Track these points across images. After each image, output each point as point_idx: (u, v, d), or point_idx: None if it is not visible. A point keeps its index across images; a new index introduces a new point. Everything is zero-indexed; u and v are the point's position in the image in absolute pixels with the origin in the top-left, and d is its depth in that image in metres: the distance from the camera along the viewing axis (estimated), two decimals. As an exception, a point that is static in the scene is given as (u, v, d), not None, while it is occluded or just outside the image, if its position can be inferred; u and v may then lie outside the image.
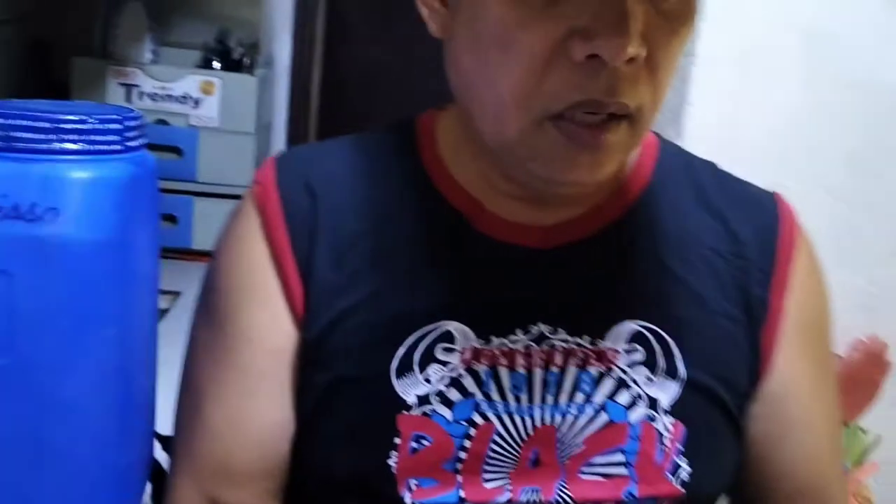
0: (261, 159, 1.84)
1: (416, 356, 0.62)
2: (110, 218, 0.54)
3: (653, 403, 0.64)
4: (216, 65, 1.80)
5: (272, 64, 2.12)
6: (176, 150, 1.72)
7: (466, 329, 0.63)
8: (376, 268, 0.64)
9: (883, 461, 1.35)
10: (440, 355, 0.62)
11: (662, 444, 0.64)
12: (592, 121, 0.55)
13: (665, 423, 0.64)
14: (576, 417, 0.63)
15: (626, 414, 0.64)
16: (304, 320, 0.64)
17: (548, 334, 0.63)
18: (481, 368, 0.62)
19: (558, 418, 0.63)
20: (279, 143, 2.18)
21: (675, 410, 0.64)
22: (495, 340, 0.63)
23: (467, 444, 0.62)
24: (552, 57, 0.54)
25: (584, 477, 0.64)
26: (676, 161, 0.70)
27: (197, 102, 1.68)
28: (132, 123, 0.55)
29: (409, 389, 0.62)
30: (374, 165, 0.67)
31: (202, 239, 1.70)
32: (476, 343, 0.63)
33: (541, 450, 0.63)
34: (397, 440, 0.62)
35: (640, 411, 0.64)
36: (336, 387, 0.63)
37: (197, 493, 0.64)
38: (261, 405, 0.64)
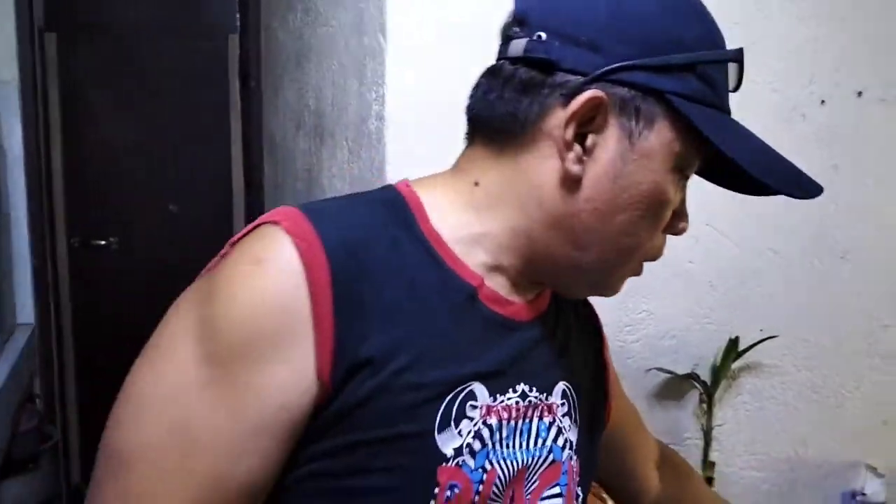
0: (3, 248, 1.76)
1: (454, 413, 0.69)
2: None
3: (571, 445, 0.79)
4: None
5: (3, 151, 2.02)
6: None
7: (484, 389, 0.71)
8: (416, 335, 0.67)
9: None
10: (468, 412, 0.70)
11: (574, 477, 0.80)
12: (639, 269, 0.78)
13: (574, 460, 0.80)
14: (536, 459, 0.75)
15: (561, 454, 0.78)
16: (331, 388, 0.63)
17: (527, 392, 0.75)
18: (493, 422, 0.72)
19: (528, 460, 0.74)
20: (21, 229, 2.07)
21: (577, 450, 0.81)
22: (499, 398, 0.72)
23: (480, 488, 0.70)
24: (660, 227, 0.74)
25: None
26: None
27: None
28: None
29: (448, 443, 0.68)
30: (387, 233, 0.70)
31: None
32: (489, 401, 0.71)
33: (515, 488, 0.74)
34: (436, 490, 0.67)
35: (567, 451, 0.79)
36: (377, 446, 0.65)
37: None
38: (252, 463, 0.63)
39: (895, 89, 1.66)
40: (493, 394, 0.71)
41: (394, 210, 0.72)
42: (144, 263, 2.63)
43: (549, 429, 0.77)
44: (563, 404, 0.79)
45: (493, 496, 0.72)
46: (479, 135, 0.75)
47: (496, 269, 0.74)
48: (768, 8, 1.57)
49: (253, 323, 0.62)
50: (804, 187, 0.74)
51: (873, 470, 1.78)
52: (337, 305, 0.63)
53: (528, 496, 0.75)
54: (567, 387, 0.80)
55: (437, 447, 0.67)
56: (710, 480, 1.60)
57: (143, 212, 2.65)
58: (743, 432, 1.66)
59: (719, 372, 1.59)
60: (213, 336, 0.62)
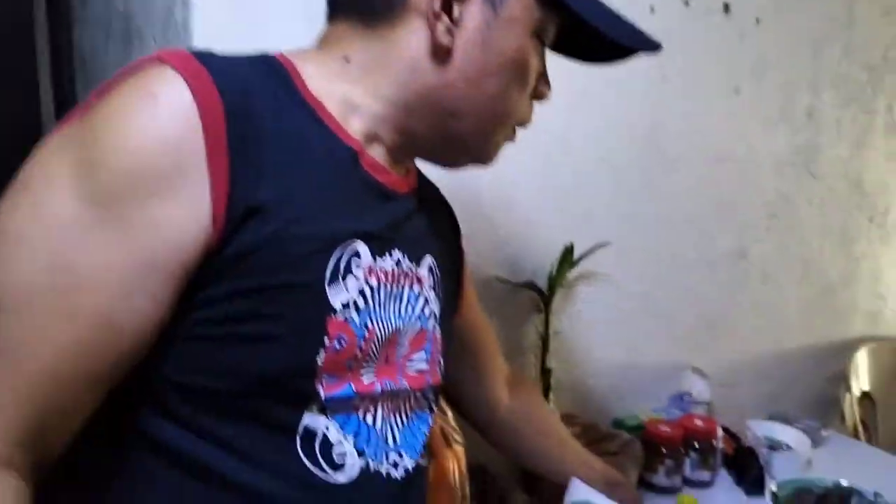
0: None
1: (341, 268, 0.72)
2: None
3: (434, 316, 0.87)
4: None
5: None
6: None
7: (366, 249, 0.75)
8: (305, 188, 0.69)
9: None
10: (354, 270, 0.73)
11: (437, 346, 0.88)
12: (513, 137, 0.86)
13: (438, 330, 0.88)
14: (406, 324, 0.81)
15: (427, 323, 0.85)
16: (224, 230, 0.63)
17: (401, 259, 0.80)
18: (373, 282, 0.76)
19: (401, 325, 0.80)
20: None
21: (439, 321, 0.89)
22: (378, 261, 0.77)
23: (362, 344, 0.75)
24: (526, 91, 0.81)
25: (409, 372, 0.84)
26: None
27: None
28: None
29: (336, 297, 0.71)
30: (272, 89, 0.70)
31: None
32: (371, 262, 0.75)
33: (389, 350, 0.80)
34: (326, 340, 0.71)
35: (431, 321, 0.87)
36: (270, 293, 0.66)
37: (23, 410, 0.59)
38: (143, 305, 0.62)
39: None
40: (374, 255, 0.76)
41: (275, 72, 0.72)
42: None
43: (417, 298, 0.83)
44: (429, 277, 0.86)
45: (370, 355, 0.77)
46: (342, 12, 0.77)
47: (373, 139, 0.78)
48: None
49: (146, 158, 0.59)
50: (651, 44, 0.82)
51: (699, 372, 1.87)
52: (231, 147, 0.62)
53: (400, 359, 0.82)
54: (433, 262, 0.87)
55: (327, 299, 0.70)
56: (547, 387, 1.62)
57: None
58: (579, 340, 1.69)
59: (555, 281, 1.59)
60: (100, 173, 0.59)
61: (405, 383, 0.83)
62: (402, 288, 0.81)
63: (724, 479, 1.66)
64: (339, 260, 0.72)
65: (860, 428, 2.11)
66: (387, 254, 0.78)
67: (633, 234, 1.71)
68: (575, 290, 1.68)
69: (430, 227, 0.88)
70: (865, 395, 2.16)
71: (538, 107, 1.69)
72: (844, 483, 1.43)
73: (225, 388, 0.66)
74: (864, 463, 1.81)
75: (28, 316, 0.59)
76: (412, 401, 0.85)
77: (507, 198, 1.54)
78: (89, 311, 0.59)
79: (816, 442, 1.81)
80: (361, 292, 0.74)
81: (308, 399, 0.71)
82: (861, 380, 2.16)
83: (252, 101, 0.66)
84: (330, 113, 0.74)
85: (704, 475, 1.62)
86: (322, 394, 0.72)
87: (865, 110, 2.06)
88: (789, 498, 1.44)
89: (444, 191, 1.48)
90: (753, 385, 2.02)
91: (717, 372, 1.89)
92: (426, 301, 0.85)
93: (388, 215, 0.79)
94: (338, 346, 0.72)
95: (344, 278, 0.72)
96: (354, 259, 0.73)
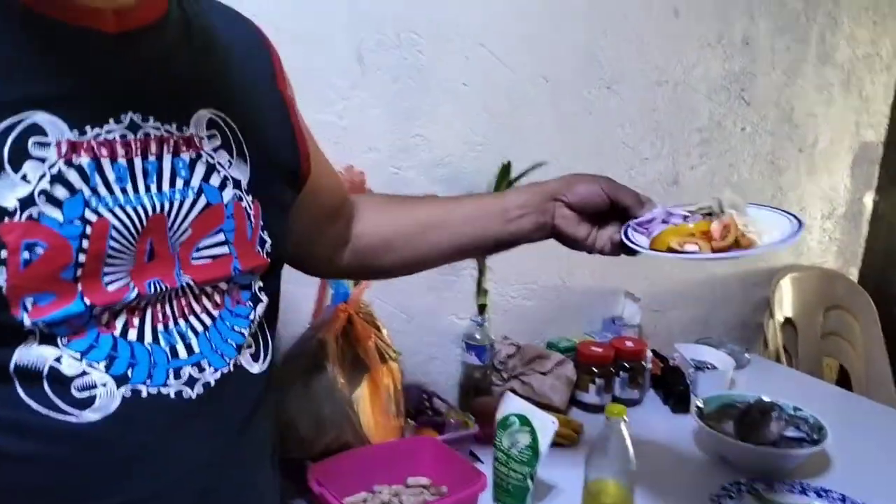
0: None
1: (6, 153, 0.57)
2: None
3: (237, 184, 0.71)
4: None
5: None
6: None
7: (57, 120, 0.59)
8: None
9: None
10: (34, 151, 0.58)
11: (250, 221, 0.72)
12: None
13: (247, 201, 0.72)
14: (181, 203, 0.66)
15: (219, 195, 0.69)
16: None
17: (139, 122, 0.64)
18: (84, 161, 0.60)
19: (166, 206, 0.65)
20: None
21: (252, 189, 0.73)
22: (90, 132, 0.61)
23: (85, 244, 0.60)
24: None
25: (195, 262, 0.69)
26: None
27: None
28: None
29: (7, 193, 0.57)
30: None
31: None
32: (71, 136, 0.60)
33: (155, 240, 0.65)
34: (3, 253, 0.57)
35: (229, 192, 0.70)
36: None
37: None
38: None
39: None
40: (76, 126, 0.60)
41: None
42: None
43: (191, 167, 0.67)
44: (212, 137, 0.69)
45: (114, 252, 0.62)
46: None
47: None
48: None
49: None
50: None
51: (631, 296, 1.89)
52: None
53: (178, 249, 0.67)
54: (217, 115, 0.70)
55: None
56: (482, 308, 1.61)
57: None
58: (516, 263, 1.68)
59: (492, 200, 1.58)
60: None
61: (188, 278, 0.68)
62: (158, 158, 0.65)
63: (653, 397, 1.70)
64: None
65: (782, 353, 2.19)
66: (109, 119, 0.62)
67: (569, 155, 1.70)
68: (511, 211, 1.66)
69: (204, 72, 0.71)
70: (787, 322, 2.24)
71: (478, 21, 1.63)
72: (766, 399, 1.48)
73: None
74: (785, 383, 1.88)
75: None
76: (213, 296, 0.71)
77: (445, 115, 1.50)
78: None
79: (740, 364, 1.87)
80: (59, 178, 0.59)
81: (8, 331, 0.59)
82: (784, 307, 2.23)
83: None
84: None
85: (634, 394, 1.66)
86: (27, 320, 0.59)
87: (799, 40, 2.08)
88: (714, 412, 1.48)
89: (382, 105, 1.44)
90: (682, 310, 2.06)
91: (648, 297, 1.92)
92: (211, 168, 0.69)
93: (101, 68, 0.63)
94: (29, 256, 0.58)
95: (16, 166, 0.57)
96: (33, 137, 0.58)
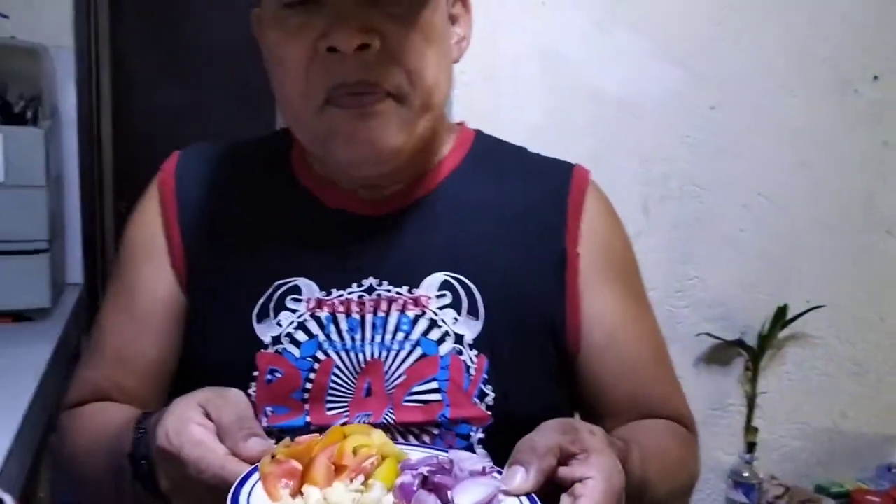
0: (55, 211, 1.80)
1: (272, 306, 0.75)
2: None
3: (459, 339, 0.75)
4: (-5, 119, 1.74)
5: (57, 116, 2.07)
6: (-43, 209, 1.64)
7: (311, 283, 0.76)
8: (245, 239, 0.78)
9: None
10: (290, 304, 0.75)
11: (469, 374, 0.75)
12: (357, 101, 0.70)
13: (470, 355, 0.75)
14: (398, 352, 0.75)
15: (436, 348, 0.75)
16: (186, 278, 0.78)
17: (375, 286, 0.76)
18: (323, 315, 0.75)
19: (384, 353, 0.75)
20: (73, 195, 2.12)
21: (479, 345, 0.75)
22: (335, 293, 0.76)
23: (312, 376, 0.74)
24: (310, 59, 0.70)
25: (406, 404, 0.75)
26: (488, 148, 0.85)
27: (-23, 159, 1.62)
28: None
29: (266, 332, 0.75)
30: (252, 162, 0.83)
31: (-2, 300, 1.63)
32: (319, 295, 0.75)
33: (372, 381, 0.75)
34: (255, 373, 0.74)
35: (447, 346, 0.75)
36: (207, 330, 0.76)
37: (99, 375, 0.79)
38: (144, 344, 0.78)
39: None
40: (325, 288, 0.75)
41: (276, 141, 0.83)
42: (188, 230, 2.68)
43: (414, 322, 0.75)
44: (441, 296, 0.76)
45: (336, 386, 0.74)
46: None
47: (337, 174, 0.78)
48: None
49: (129, 241, 0.82)
50: None
51: (910, 444, 1.81)
52: (182, 219, 0.79)
53: (392, 389, 0.74)
54: (452, 277, 0.76)
55: (255, 335, 0.75)
56: (751, 445, 1.63)
57: (187, 179, 2.72)
58: (786, 401, 1.69)
59: (766, 340, 1.62)
60: (116, 261, 0.84)
61: (392, 417, 0.74)
62: (386, 314, 0.75)
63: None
64: (268, 299, 0.75)
65: None
66: (353, 284, 0.75)
67: (847, 299, 1.70)
68: (784, 351, 1.69)
69: (448, 238, 0.78)
70: None
71: (756, 171, 1.72)
72: None
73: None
74: None
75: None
76: (420, 437, 0.75)
77: (721, 257, 1.59)
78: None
79: None
80: (302, 326, 0.74)
81: None
82: None
83: (209, 186, 0.80)
84: (309, 164, 0.80)
85: (916, 551, 1.57)
86: (265, 423, 0.72)
87: None
88: None
89: (662, 249, 1.56)
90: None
91: (930, 446, 1.82)
92: (433, 324, 0.75)
93: (351, 245, 0.76)
94: (270, 378, 0.74)
95: (275, 314, 0.75)
96: (292, 295, 0.75)
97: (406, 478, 0.52)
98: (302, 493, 0.51)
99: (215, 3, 2.65)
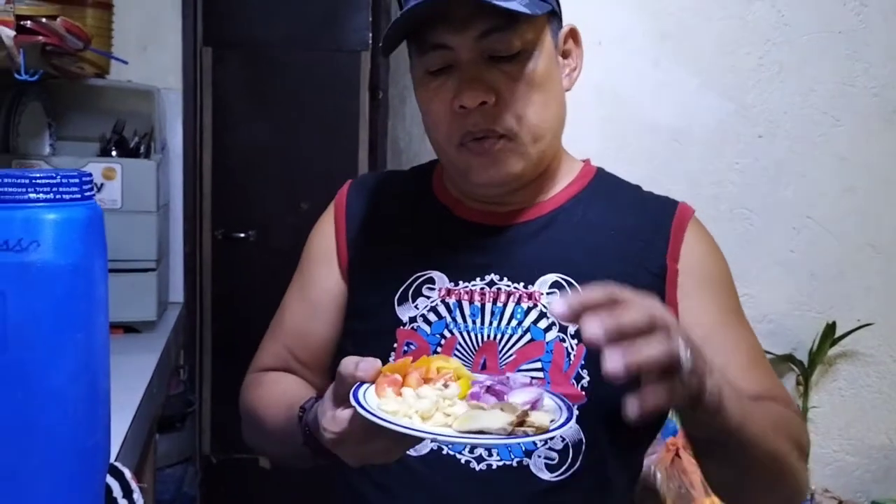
0: (162, 235, 2.02)
1: (411, 292, 0.93)
2: (76, 247, 0.72)
3: (563, 329, 0.90)
4: (114, 153, 1.97)
5: (167, 150, 2.31)
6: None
7: (443, 276, 0.93)
8: (394, 242, 0.98)
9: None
10: (425, 291, 0.93)
11: (569, 358, 0.90)
12: (480, 146, 0.89)
13: (571, 343, 0.90)
14: (510, 336, 0.91)
15: (543, 335, 0.91)
16: (347, 273, 1.00)
17: (496, 281, 0.93)
18: (451, 301, 0.93)
19: (499, 336, 0.91)
20: (177, 220, 2.35)
21: (579, 335, 0.80)
22: (461, 284, 0.93)
23: (439, 350, 0.91)
24: (448, 112, 0.89)
25: None
26: (607, 182, 1.01)
27: (100, 187, 1.84)
28: (86, 179, 0.74)
29: (405, 313, 0.93)
30: (403, 186, 1.04)
31: (113, 313, 1.82)
32: (449, 285, 0.93)
33: (487, 357, 0.91)
34: (395, 345, 0.92)
35: (553, 334, 0.90)
36: (361, 310, 0.97)
37: (280, 346, 1.03)
38: (315, 323, 1.01)
39: None
40: (453, 279, 0.93)
41: (426, 170, 1.04)
42: (277, 255, 2.84)
43: (526, 312, 0.91)
44: (551, 293, 0.90)
45: (457, 359, 0.86)
46: None
47: (469, 196, 0.96)
48: (869, 19, 1.69)
49: (309, 244, 1.05)
50: None
51: (970, 464, 1.83)
52: (349, 231, 1.00)
53: (503, 366, 0.90)
54: (562, 279, 0.91)
55: (396, 314, 0.93)
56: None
57: (278, 209, 2.93)
58: (838, 417, 1.76)
59: (816, 356, 1.70)
60: (300, 257, 1.07)
61: None
62: (504, 305, 0.91)
63: None
64: (409, 286, 0.93)
65: None
66: (477, 278, 0.92)
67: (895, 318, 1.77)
68: (835, 368, 1.76)
69: (563, 247, 0.93)
70: None
71: (804, 195, 1.82)
72: None
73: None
74: None
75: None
76: None
77: (772, 276, 1.69)
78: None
79: None
80: (434, 310, 0.92)
81: None
82: None
83: (373, 205, 1.01)
84: (446, 187, 0.99)
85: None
86: None
87: None
88: None
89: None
90: None
91: None
92: (542, 315, 0.90)
93: (482, 249, 0.93)
94: (406, 349, 0.91)
95: (414, 299, 0.92)
96: (427, 285, 0.93)
97: (474, 388, 0.71)
98: (401, 394, 0.70)
99: (301, 53, 2.91)
